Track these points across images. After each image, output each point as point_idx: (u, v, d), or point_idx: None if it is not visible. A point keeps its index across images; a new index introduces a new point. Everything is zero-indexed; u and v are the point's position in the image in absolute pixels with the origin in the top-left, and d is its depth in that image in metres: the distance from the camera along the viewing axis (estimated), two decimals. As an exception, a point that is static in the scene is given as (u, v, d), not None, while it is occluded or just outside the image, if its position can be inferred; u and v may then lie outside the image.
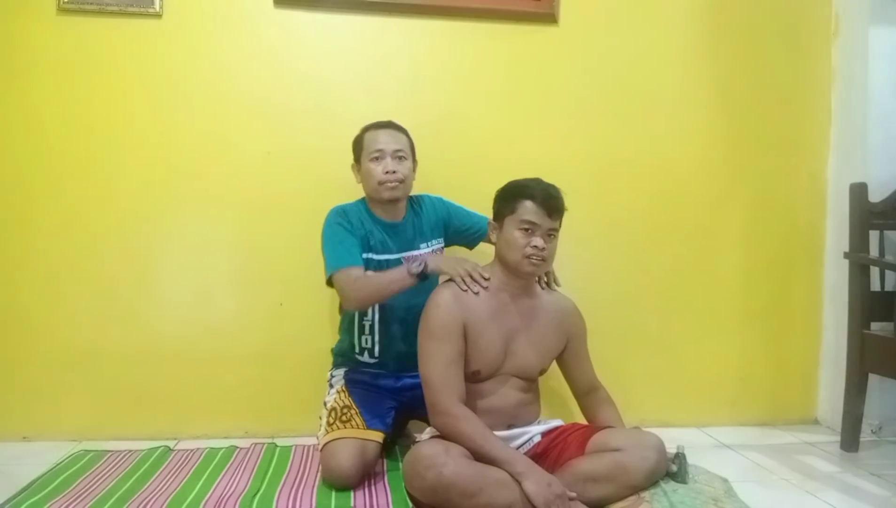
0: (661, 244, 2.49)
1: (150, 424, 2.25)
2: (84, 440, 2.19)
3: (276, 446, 2.14)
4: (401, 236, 2.05)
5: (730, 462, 2.11)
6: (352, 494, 1.76)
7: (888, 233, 2.31)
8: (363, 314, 2.02)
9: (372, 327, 2.02)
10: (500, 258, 1.85)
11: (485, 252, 2.07)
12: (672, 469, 1.78)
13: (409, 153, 2.04)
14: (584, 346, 1.97)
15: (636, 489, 1.68)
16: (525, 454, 1.76)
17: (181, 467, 1.96)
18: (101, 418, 2.24)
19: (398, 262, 1.98)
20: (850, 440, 2.25)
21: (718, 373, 2.52)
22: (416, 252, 2.03)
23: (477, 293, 1.80)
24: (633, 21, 2.46)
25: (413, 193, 2.11)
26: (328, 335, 2.15)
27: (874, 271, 2.28)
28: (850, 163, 2.45)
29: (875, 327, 2.22)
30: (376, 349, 2.03)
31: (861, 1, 2.43)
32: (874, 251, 2.27)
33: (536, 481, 1.57)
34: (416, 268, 1.85)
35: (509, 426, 1.82)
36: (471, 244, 2.17)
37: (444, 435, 1.72)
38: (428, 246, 2.07)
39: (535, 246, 1.76)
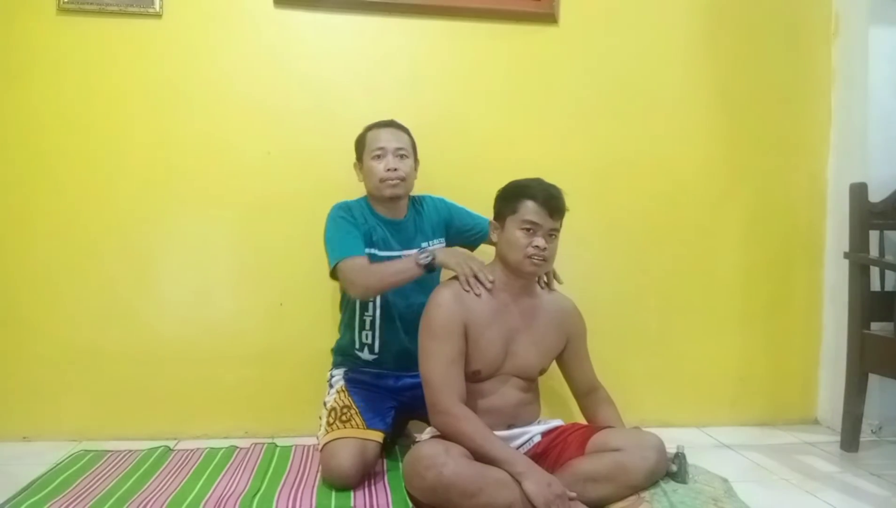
0: (661, 244, 2.49)
1: (150, 424, 2.25)
2: (84, 440, 2.19)
3: (276, 446, 2.14)
4: (402, 234, 2.05)
5: (730, 462, 2.11)
6: (352, 494, 1.76)
7: (888, 233, 2.31)
8: (364, 310, 2.02)
9: (373, 322, 2.03)
10: (501, 258, 1.85)
11: (485, 253, 2.07)
12: (672, 469, 1.78)
13: (410, 152, 2.05)
14: (583, 346, 1.97)
15: (636, 489, 1.68)
16: (525, 454, 1.76)
17: (181, 467, 1.96)
18: (101, 418, 2.24)
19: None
20: (850, 440, 2.25)
21: (718, 373, 2.52)
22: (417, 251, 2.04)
23: (479, 296, 1.80)
24: (633, 21, 2.46)
25: (414, 193, 2.12)
26: (328, 335, 2.15)
27: (874, 271, 2.28)
28: (850, 163, 2.45)
29: (875, 327, 2.22)
30: (376, 345, 2.03)
31: (861, 1, 2.43)
32: (874, 251, 2.27)
33: (536, 481, 1.57)
34: (424, 259, 1.85)
35: (509, 426, 1.82)
36: (472, 246, 2.17)
37: (444, 435, 1.72)
38: (429, 245, 2.07)
39: (537, 246, 1.76)
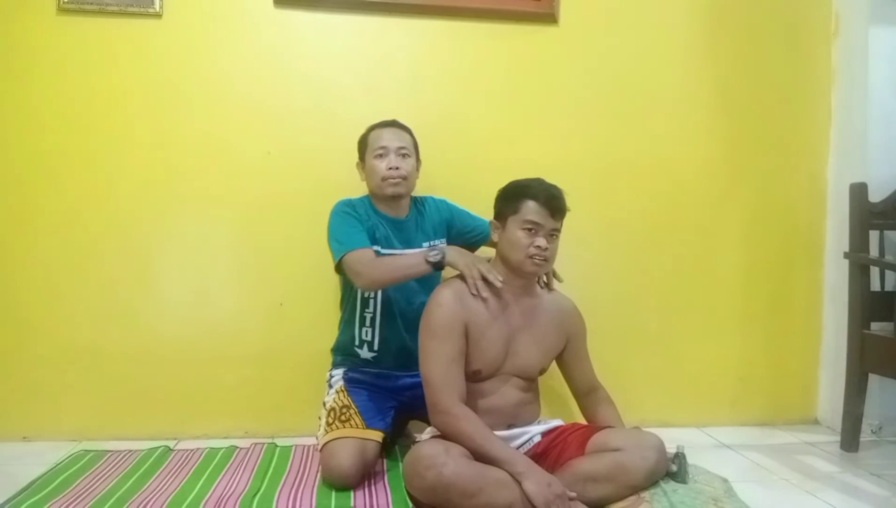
0: (661, 244, 2.49)
1: (150, 424, 2.25)
2: (84, 440, 2.19)
3: (276, 446, 2.14)
4: (404, 233, 2.06)
5: (730, 462, 2.10)
6: (352, 494, 1.76)
7: (888, 233, 2.31)
8: (365, 306, 2.03)
9: (373, 319, 2.03)
10: (501, 258, 1.85)
11: (485, 253, 2.07)
12: (672, 469, 1.78)
13: (412, 151, 2.06)
14: (583, 346, 1.97)
15: (636, 489, 1.68)
16: (525, 454, 1.76)
17: (181, 467, 1.96)
18: (101, 418, 2.24)
19: None
20: (850, 440, 2.25)
21: (718, 373, 2.52)
22: (426, 248, 2.04)
23: (486, 300, 1.80)
24: (633, 21, 2.46)
25: (415, 194, 2.13)
26: (328, 335, 2.15)
27: (874, 271, 2.28)
28: (850, 163, 2.45)
29: (875, 327, 2.22)
30: (376, 342, 2.04)
31: (861, 1, 2.43)
32: (874, 251, 2.27)
33: (536, 481, 1.57)
34: (434, 257, 1.85)
35: (509, 426, 1.82)
36: (472, 247, 2.17)
37: (444, 434, 1.72)
38: (429, 245, 2.07)
39: (539, 246, 1.76)
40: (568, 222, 1.85)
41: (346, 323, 2.08)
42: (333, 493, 1.76)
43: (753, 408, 2.53)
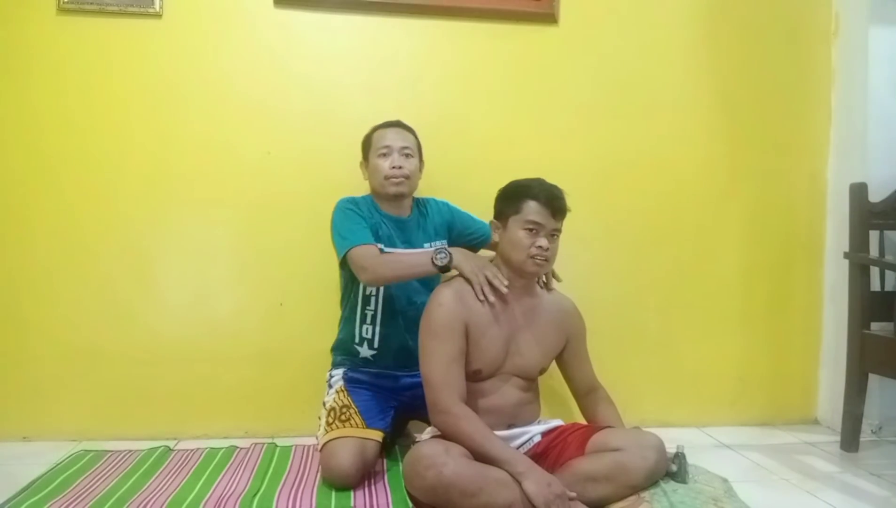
0: (661, 244, 2.49)
1: (150, 424, 2.25)
2: (84, 440, 2.19)
3: (276, 446, 2.14)
4: (406, 232, 2.06)
5: (730, 462, 2.10)
6: (352, 494, 1.76)
7: (888, 233, 2.31)
8: (366, 303, 2.03)
9: (374, 316, 2.03)
10: (502, 258, 1.85)
11: (484, 253, 2.07)
12: (672, 469, 1.78)
13: (415, 152, 2.07)
14: (583, 346, 1.97)
15: (636, 489, 1.68)
16: (525, 453, 1.76)
17: (181, 467, 1.96)
18: (101, 418, 2.24)
19: None
20: (850, 440, 2.25)
21: (718, 373, 2.52)
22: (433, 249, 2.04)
23: (493, 305, 1.79)
24: (634, 21, 2.46)
25: (417, 194, 2.13)
26: (328, 335, 2.15)
27: (874, 271, 2.28)
28: (850, 163, 2.45)
29: (875, 327, 2.22)
30: (376, 340, 2.04)
31: (861, 1, 2.43)
32: (874, 251, 2.27)
33: (536, 481, 1.57)
34: (441, 260, 1.85)
35: (509, 426, 1.82)
36: (472, 249, 2.17)
37: (444, 434, 1.72)
38: (431, 246, 2.07)
39: (540, 246, 1.77)
40: (568, 222, 1.85)
41: (347, 320, 2.08)
42: (333, 493, 1.76)
43: (753, 408, 2.53)
